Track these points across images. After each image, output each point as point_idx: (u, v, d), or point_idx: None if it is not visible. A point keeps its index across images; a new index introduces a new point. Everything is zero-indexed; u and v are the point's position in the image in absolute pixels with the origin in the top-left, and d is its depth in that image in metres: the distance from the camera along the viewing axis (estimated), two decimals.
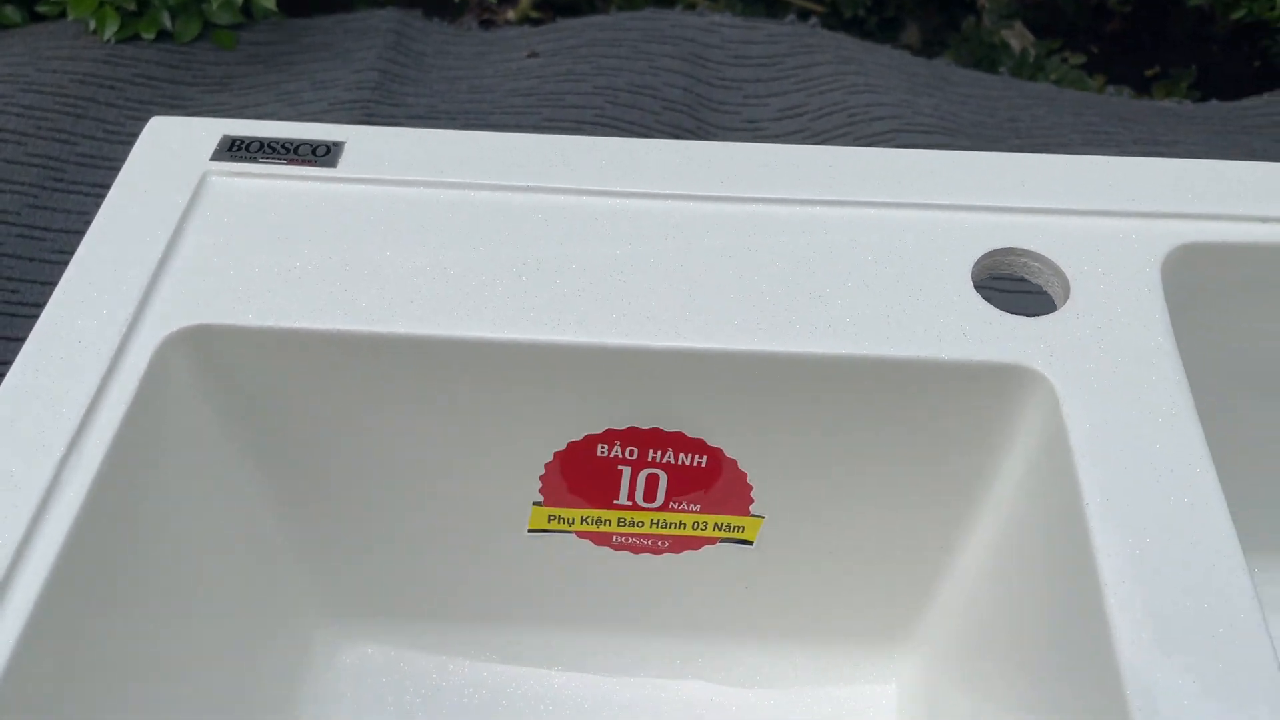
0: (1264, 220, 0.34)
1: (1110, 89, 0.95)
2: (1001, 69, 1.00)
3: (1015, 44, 1.11)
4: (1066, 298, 0.33)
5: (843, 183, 0.35)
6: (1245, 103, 0.86)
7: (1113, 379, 0.30)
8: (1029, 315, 0.32)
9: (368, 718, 0.41)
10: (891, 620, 0.40)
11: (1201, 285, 0.34)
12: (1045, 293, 0.34)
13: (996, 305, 0.33)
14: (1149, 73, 1.13)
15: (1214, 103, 0.87)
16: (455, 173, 0.36)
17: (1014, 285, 0.34)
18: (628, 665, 0.41)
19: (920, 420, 0.33)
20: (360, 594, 0.41)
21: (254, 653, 0.39)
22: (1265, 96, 0.86)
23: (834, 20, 1.24)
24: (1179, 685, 0.25)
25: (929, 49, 1.26)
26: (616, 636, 0.41)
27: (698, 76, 0.79)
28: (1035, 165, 0.35)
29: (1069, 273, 0.33)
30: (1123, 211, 0.34)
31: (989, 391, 0.32)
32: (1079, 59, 1.10)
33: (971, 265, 0.33)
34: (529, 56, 0.81)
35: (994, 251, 0.33)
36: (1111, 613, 0.26)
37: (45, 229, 0.65)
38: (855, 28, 1.29)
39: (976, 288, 0.33)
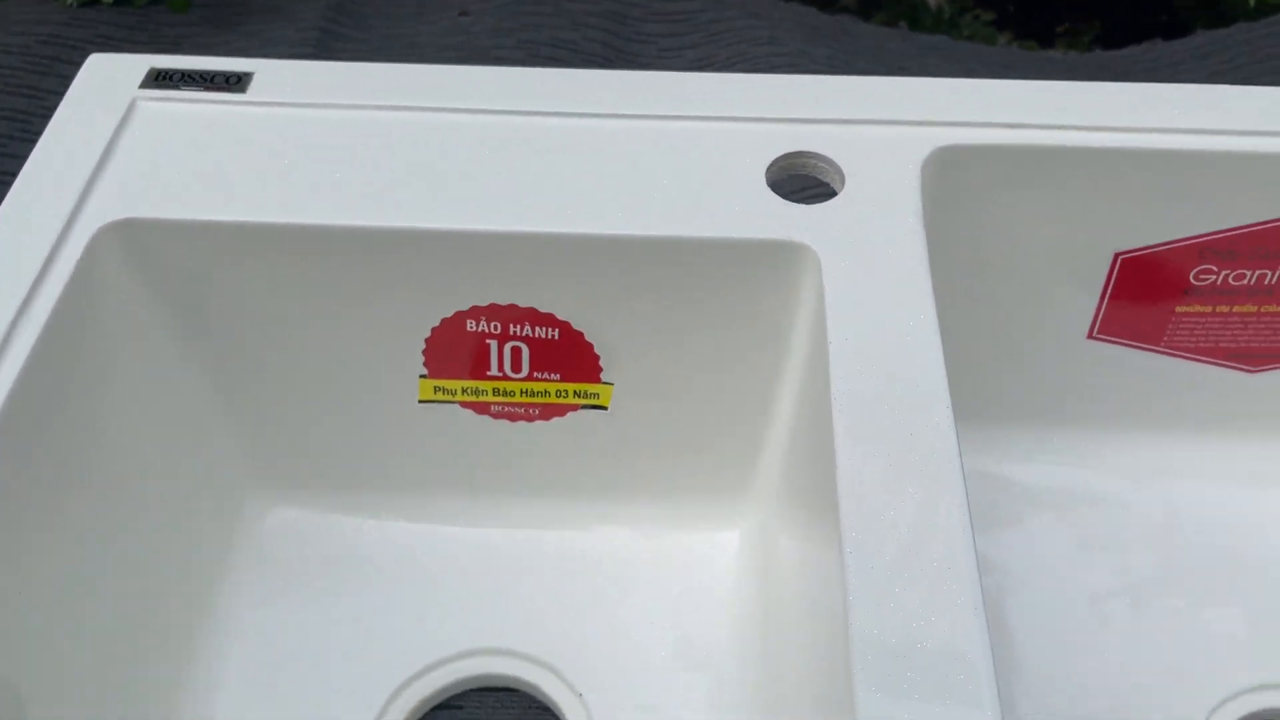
0: (1009, 126, 0.41)
1: (1003, 42, 1.01)
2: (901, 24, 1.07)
3: (932, 3, 1.18)
4: (842, 190, 0.40)
5: (671, 100, 0.42)
6: (1124, 51, 0.93)
7: (868, 254, 0.38)
8: (809, 204, 0.39)
9: (291, 569, 0.48)
10: (732, 475, 0.47)
11: (956, 180, 0.41)
12: (834, 190, 0.41)
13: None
14: (1059, 29, 1.20)
15: (1097, 52, 0.94)
16: (346, 96, 0.43)
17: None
18: (511, 512, 0.48)
19: (724, 292, 0.40)
20: (284, 464, 0.48)
21: (192, 515, 0.46)
22: (1144, 45, 0.93)
23: None
24: (882, 492, 0.32)
25: (866, 9, 1.33)
26: (501, 496, 0.48)
27: (616, 32, 0.86)
28: (828, 84, 0.43)
29: (845, 169, 0.40)
30: (895, 120, 0.41)
31: (774, 265, 0.39)
32: (989, 15, 1.17)
33: (767, 166, 0.40)
34: (460, 15, 0.88)
35: (786, 154, 0.41)
36: (838, 438, 0.33)
37: (13, 175, 0.72)
38: None
39: (771, 186, 0.40)
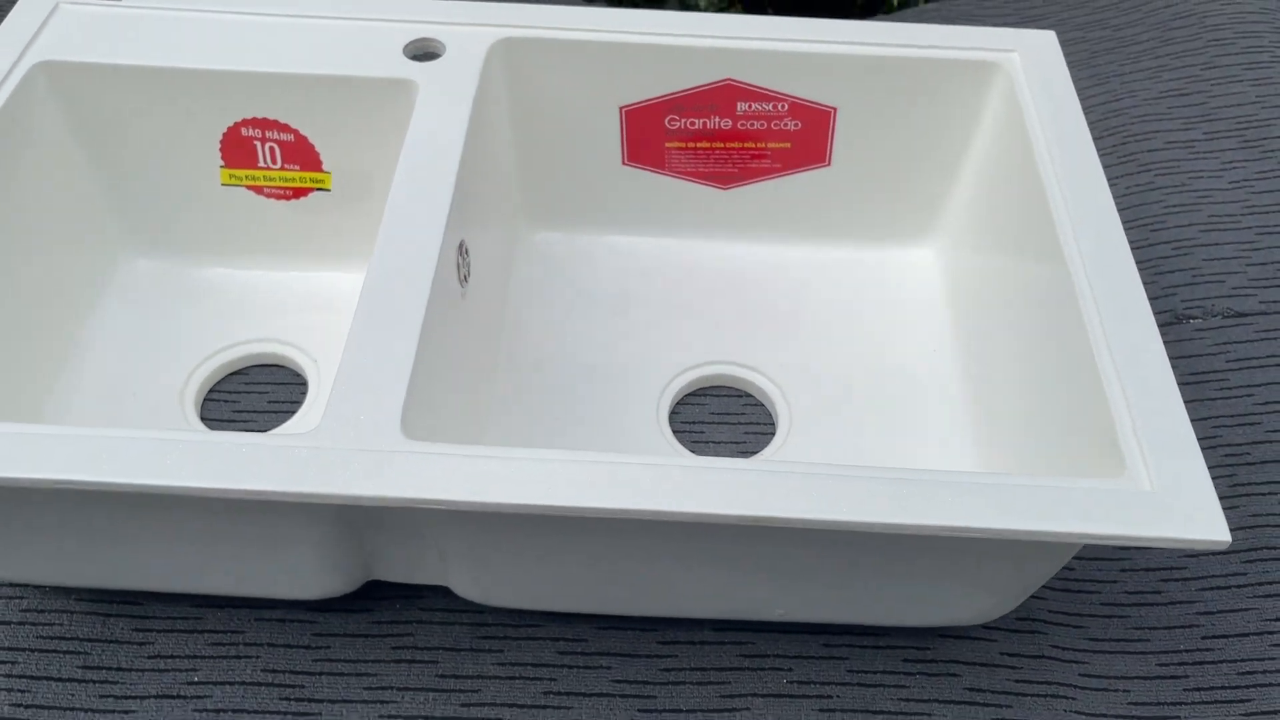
0: (550, 29, 0.75)
1: None
2: None
3: (703, 3, 1.53)
4: (442, 57, 0.73)
5: (358, 9, 0.76)
6: None
7: (444, 89, 0.71)
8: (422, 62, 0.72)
9: (146, 300, 0.80)
10: None
11: (520, 60, 0.74)
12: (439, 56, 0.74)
13: None
14: None
15: None
16: (186, 4, 0.75)
17: None
18: (284, 261, 0.81)
19: (380, 112, 0.73)
20: (148, 228, 0.80)
21: (82, 263, 0.78)
22: None
23: None
24: (413, 232, 0.65)
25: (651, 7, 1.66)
26: (277, 252, 0.81)
27: None
28: (454, 5, 0.76)
29: (449, 47, 0.73)
30: (481, 24, 0.75)
31: (397, 95, 0.72)
32: (739, 10, 1.52)
33: (405, 44, 0.73)
34: None
35: (417, 38, 0.74)
36: (390, 199, 0.66)
37: None
38: None
39: (408, 56, 0.73)
